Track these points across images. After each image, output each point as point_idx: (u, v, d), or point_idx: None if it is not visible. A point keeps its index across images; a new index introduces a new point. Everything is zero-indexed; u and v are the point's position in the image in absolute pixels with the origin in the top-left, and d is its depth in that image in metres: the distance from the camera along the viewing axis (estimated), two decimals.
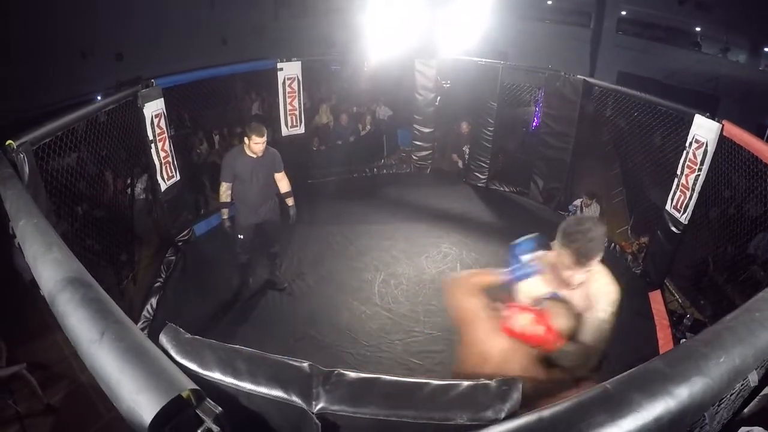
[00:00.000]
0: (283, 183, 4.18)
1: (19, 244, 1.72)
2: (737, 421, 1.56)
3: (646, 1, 11.71)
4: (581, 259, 1.65)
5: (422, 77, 6.71)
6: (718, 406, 1.23)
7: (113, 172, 4.87)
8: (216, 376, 1.15)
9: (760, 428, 1.71)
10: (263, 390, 1.12)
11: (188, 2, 10.19)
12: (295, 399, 1.10)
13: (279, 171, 4.10)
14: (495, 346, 1.69)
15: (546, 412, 0.93)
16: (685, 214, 4.25)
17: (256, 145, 3.81)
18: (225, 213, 4.13)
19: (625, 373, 0.99)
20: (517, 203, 6.52)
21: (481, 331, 1.73)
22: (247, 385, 1.13)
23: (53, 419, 3.47)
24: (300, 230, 5.46)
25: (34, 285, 1.61)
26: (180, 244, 5.12)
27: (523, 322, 1.66)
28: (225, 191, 3.98)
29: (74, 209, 4.01)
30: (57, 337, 3.85)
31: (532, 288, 1.90)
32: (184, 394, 0.93)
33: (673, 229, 4.36)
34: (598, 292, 1.78)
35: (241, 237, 4.13)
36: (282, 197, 4.23)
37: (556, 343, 1.67)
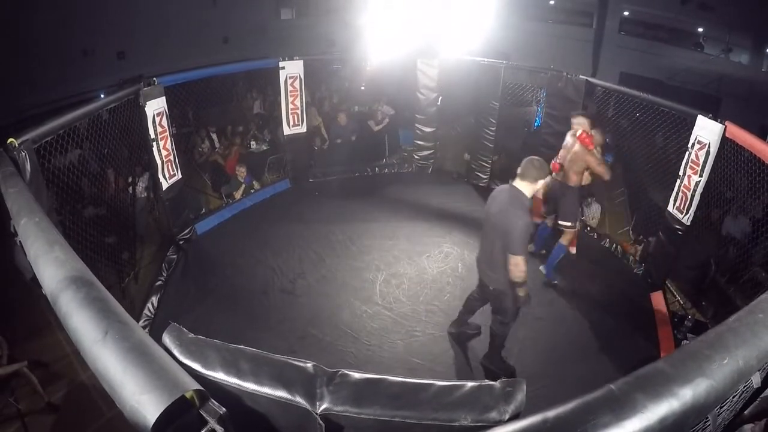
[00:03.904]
0: None
1: (20, 242, 1.71)
2: (737, 423, 1.56)
3: (648, 1, 11.69)
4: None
5: (424, 77, 6.70)
6: (720, 407, 1.23)
7: (115, 171, 4.87)
8: (220, 376, 1.14)
9: (749, 425, 1.73)
10: (267, 390, 1.12)
11: (190, 1, 10.19)
12: (299, 400, 1.10)
13: None
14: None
15: (550, 413, 0.92)
16: (687, 215, 4.24)
17: (543, 184, 3.03)
18: (524, 290, 3.11)
19: (629, 375, 0.99)
20: None
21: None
22: (251, 386, 1.13)
23: (54, 417, 3.48)
24: (301, 229, 5.47)
25: (35, 282, 1.60)
26: (181, 242, 5.12)
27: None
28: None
29: (76, 207, 4.01)
30: (58, 335, 3.86)
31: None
32: (188, 395, 0.92)
33: (675, 230, 4.36)
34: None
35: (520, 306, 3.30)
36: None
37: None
